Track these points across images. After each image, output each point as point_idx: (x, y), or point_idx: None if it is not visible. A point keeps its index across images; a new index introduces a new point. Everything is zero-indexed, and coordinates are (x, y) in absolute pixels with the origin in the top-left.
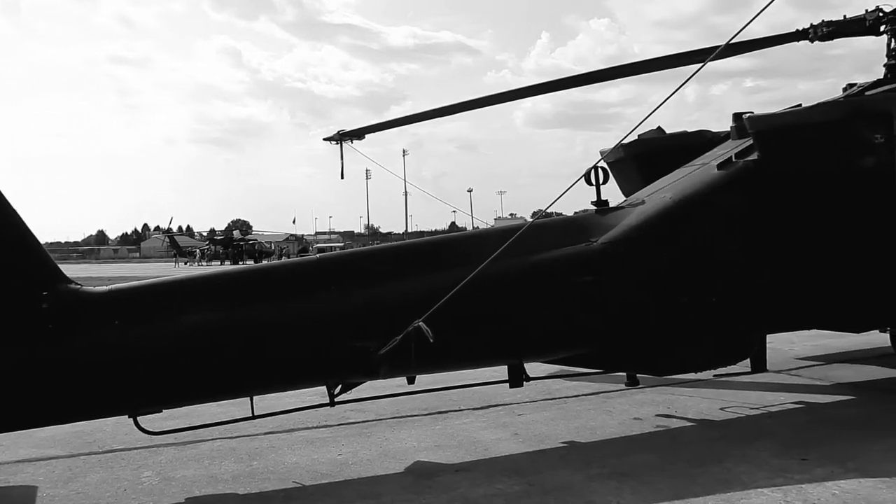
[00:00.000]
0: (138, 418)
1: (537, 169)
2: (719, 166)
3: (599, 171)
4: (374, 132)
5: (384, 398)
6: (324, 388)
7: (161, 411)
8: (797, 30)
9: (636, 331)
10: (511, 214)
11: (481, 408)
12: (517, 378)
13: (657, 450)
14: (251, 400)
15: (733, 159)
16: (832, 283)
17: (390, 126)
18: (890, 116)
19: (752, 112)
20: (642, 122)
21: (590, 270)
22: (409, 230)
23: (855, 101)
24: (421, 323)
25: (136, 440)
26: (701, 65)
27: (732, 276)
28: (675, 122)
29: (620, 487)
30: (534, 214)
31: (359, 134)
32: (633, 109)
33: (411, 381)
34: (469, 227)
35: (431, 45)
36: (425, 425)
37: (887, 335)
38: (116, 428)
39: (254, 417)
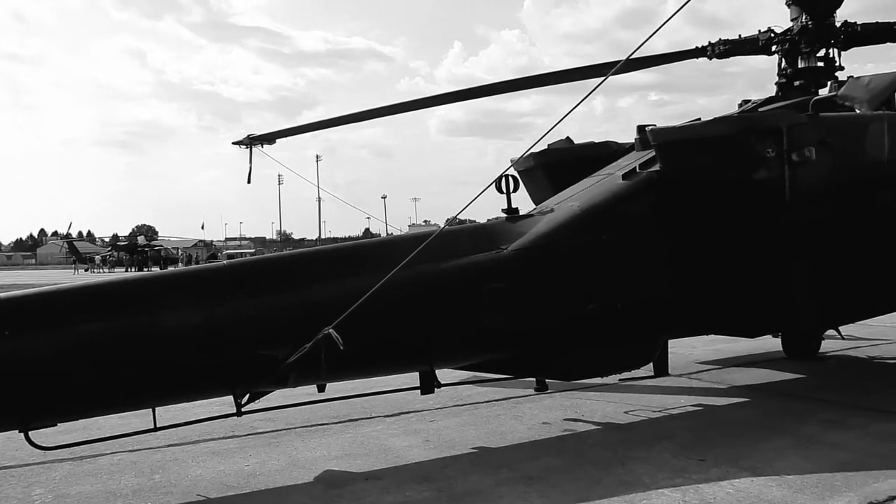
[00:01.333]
0: (30, 433)
1: (451, 176)
2: (624, 176)
3: (509, 179)
4: (285, 137)
5: (294, 407)
6: (232, 398)
7: (55, 425)
8: (696, 47)
9: (544, 337)
10: (425, 221)
11: (393, 415)
12: (428, 385)
13: (564, 453)
14: (153, 411)
15: (637, 170)
16: (728, 291)
17: (302, 131)
18: (780, 132)
19: (654, 124)
20: (547, 133)
21: (499, 277)
22: (323, 236)
23: (748, 117)
24: (331, 330)
25: (29, 456)
26: (603, 78)
27: (637, 283)
28: (583, 132)
29: (528, 491)
30: (448, 222)
31: (269, 138)
32: (544, 119)
33: (321, 388)
34: (383, 234)
35: (344, 51)
36: (336, 433)
37: (779, 340)
38: (6, 444)
39: (156, 429)
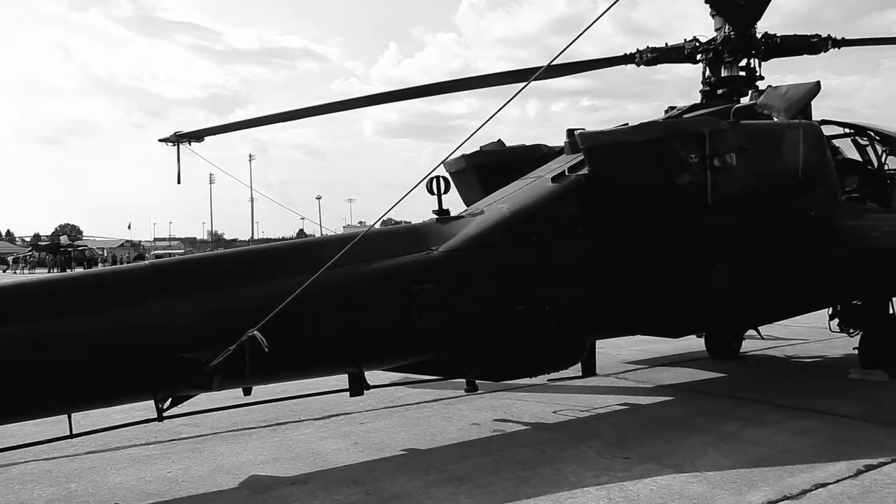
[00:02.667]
0: None
1: (385, 178)
2: (553, 179)
3: (440, 180)
4: (214, 134)
5: (221, 410)
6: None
7: None
8: (625, 54)
9: (474, 338)
10: (360, 223)
11: (322, 418)
12: (357, 386)
13: (493, 453)
14: (69, 417)
15: (566, 173)
16: (653, 292)
17: (232, 129)
18: (703, 138)
19: (584, 128)
20: (472, 135)
21: (429, 278)
22: (256, 237)
23: (673, 123)
24: (255, 332)
25: None
26: (524, 84)
27: (565, 285)
28: (518, 136)
29: (456, 492)
30: (383, 223)
31: (198, 136)
32: (477, 122)
33: (247, 392)
34: (317, 235)
35: (277, 49)
36: (263, 438)
37: (703, 340)
38: None
39: (73, 436)
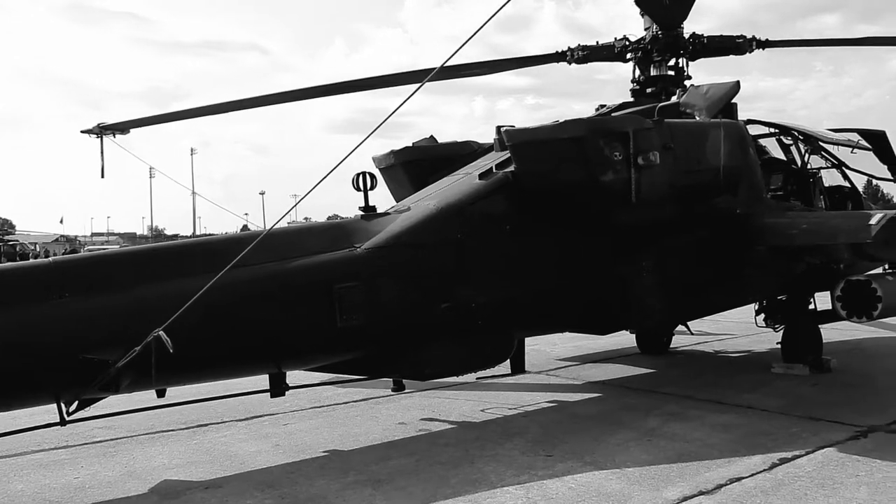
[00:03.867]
0: None
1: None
2: (480, 176)
3: (366, 176)
4: (140, 126)
5: (136, 412)
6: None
7: None
8: (557, 51)
9: (398, 336)
10: (305, 219)
11: (246, 419)
12: (278, 387)
13: (416, 453)
14: None
15: (493, 170)
16: (579, 289)
17: (158, 121)
18: (627, 136)
19: (512, 125)
20: (376, 129)
21: (352, 276)
22: (198, 232)
23: (597, 120)
24: (161, 332)
25: None
26: (420, 84)
27: (491, 282)
28: (464, 132)
29: (374, 494)
30: (329, 219)
31: (122, 127)
32: (425, 119)
33: (160, 394)
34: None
35: (220, 42)
36: (181, 440)
37: (634, 336)
38: None
39: None
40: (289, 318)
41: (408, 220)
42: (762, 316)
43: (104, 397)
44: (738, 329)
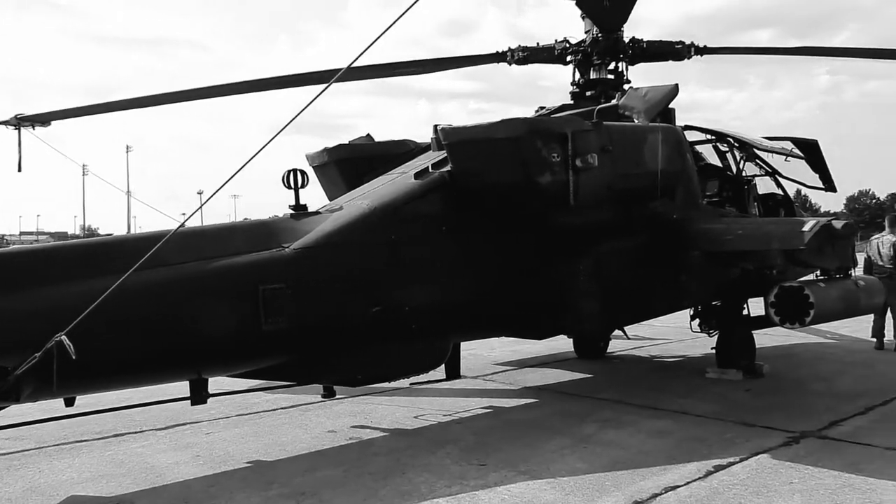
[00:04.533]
0: None
1: (273, 174)
2: (416, 175)
3: (297, 173)
4: (63, 118)
5: (49, 422)
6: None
7: None
8: (497, 52)
9: (328, 341)
10: (245, 219)
11: (166, 428)
12: (199, 394)
13: (345, 463)
14: None
15: (430, 169)
16: (515, 294)
17: (84, 113)
18: (565, 137)
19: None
20: (283, 129)
21: (278, 277)
22: (133, 231)
23: (535, 120)
24: (63, 337)
25: None
26: (327, 85)
27: (426, 285)
28: (408, 135)
29: None
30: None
31: (43, 119)
32: (367, 121)
33: (69, 402)
34: None
35: (161, 38)
36: (94, 452)
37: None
38: None
39: None
40: (209, 322)
41: (339, 220)
42: (697, 321)
43: (4, 407)
44: (674, 334)
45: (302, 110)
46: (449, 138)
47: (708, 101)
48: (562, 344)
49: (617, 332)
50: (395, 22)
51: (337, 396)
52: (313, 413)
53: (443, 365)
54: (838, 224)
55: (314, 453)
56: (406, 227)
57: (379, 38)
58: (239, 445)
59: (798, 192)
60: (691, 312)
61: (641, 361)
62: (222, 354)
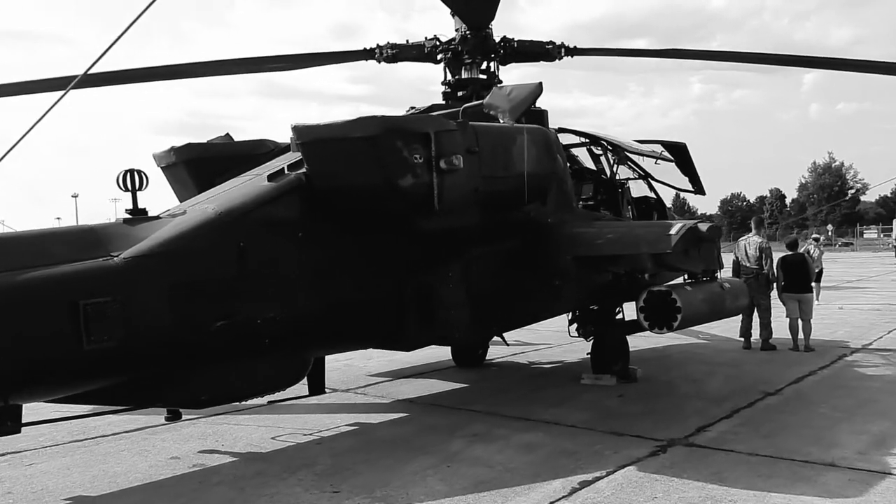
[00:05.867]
0: None
1: (155, 176)
2: (269, 178)
3: (135, 174)
4: None
5: None
6: None
7: None
8: (364, 48)
9: (165, 360)
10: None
11: None
12: (6, 423)
13: (182, 496)
14: None
15: (285, 170)
16: (380, 303)
17: None
18: (428, 137)
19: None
20: (28, 131)
21: (104, 290)
22: None
23: (394, 118)
24: None
25: None
26: (70, 85)
27: (280, 296)
28: None
29: None
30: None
31: None
32: (258, 123)
33: None
34: None
35: (21, 31)
36: None
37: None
38: None
39: None
40: (17, 342)
41: (179, 226)
42: (575, 326)
43: None
44: (556, 339)
45: (41, 118)
46: (302, 137)
47: (592, 108)
48: (440, 352)
49: (496, 339)
50: (135, 20)
51: (191, 417)
52: (159, 437)
53: (305, 380)
54: (704, 227)
55: (149, 485)
56: (257, 232)
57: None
58: (62, 478)
59: (677, 195)
60: (569, 317)
61: (520, 368)
62: (34, 378)
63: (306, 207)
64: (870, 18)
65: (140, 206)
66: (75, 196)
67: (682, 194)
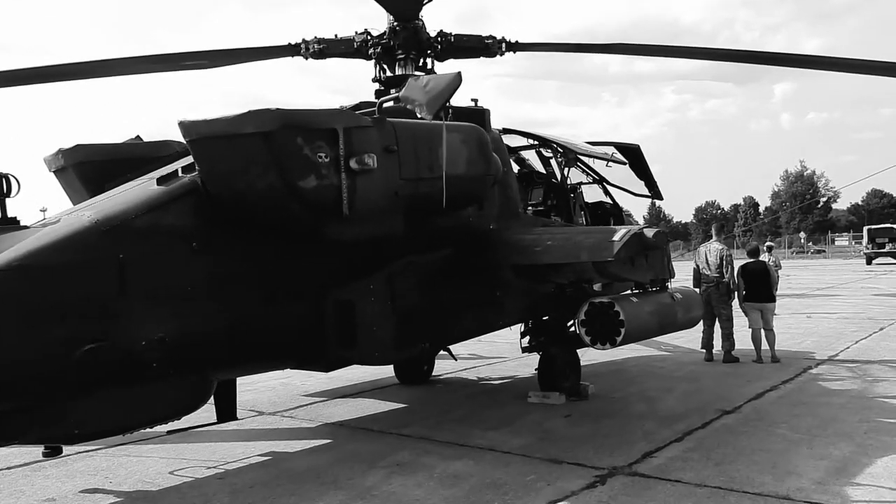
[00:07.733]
0: None
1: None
2: (159, 181)
3: (3, 180)
4: None
5: None
6: None
7: None
8: (289, 44)
9: (24, 390)
10: None
11: None
12: None
13: None
14: None
15: (179, 173)
16: (292, 320)
17: None
18: (335, 134)
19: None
20: None
21: None
22: None
23: (292, 113)
24: None
25: None
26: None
27: (170, 315)
28: None
29: None
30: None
31: None
32: None
33: None
34: None
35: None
36: None
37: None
38: None
39: None
40: None
41: (49, 236)
42: (527, 339)
43: None
44: (511, 352)
45: None
46: (190, 134)
47: (567, 118)
48: (385, 369)
49: (443, 353)
50: None
51: (89, 448)
52: (44, 473)
53: (201, 406)
54: (650, 232)
55: None
56: (140, 243)
57: None
58: None
59: (652, 203)
60: (521, 329)
61: (466, 385)
62: None
63: (201, 214)
64: (838, 31)
65: (10, 215)
66: None
67: (658, 203)
